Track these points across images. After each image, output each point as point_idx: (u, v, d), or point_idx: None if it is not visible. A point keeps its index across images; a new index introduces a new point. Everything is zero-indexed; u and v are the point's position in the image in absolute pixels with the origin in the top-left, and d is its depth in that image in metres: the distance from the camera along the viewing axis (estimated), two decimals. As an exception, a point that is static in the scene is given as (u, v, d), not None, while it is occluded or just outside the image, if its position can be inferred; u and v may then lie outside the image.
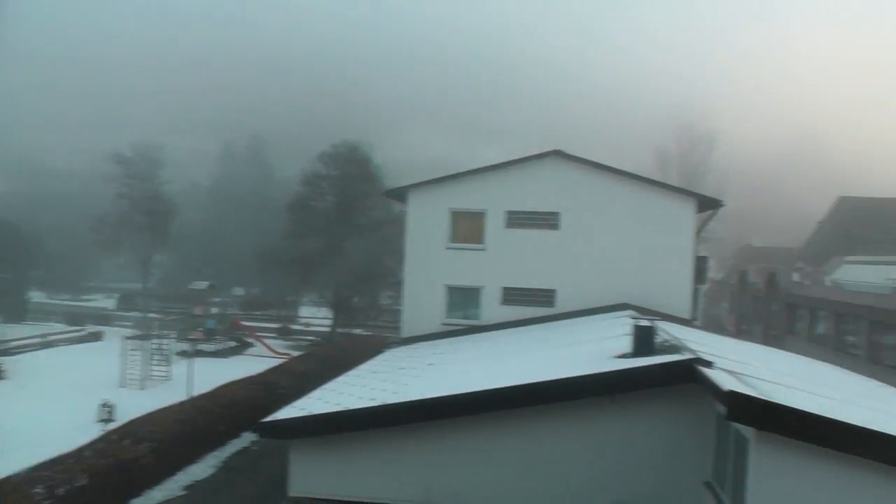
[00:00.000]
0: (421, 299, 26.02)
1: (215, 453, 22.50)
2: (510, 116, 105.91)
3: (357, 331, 50.97)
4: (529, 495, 11.94)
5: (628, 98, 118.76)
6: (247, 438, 23.91)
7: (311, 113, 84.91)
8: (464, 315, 25.84)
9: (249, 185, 77.45)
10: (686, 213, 25.04)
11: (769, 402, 9.10)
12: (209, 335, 45.20)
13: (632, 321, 14.63)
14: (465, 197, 26.00)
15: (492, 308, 25.53)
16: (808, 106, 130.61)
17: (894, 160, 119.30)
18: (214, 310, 51.63)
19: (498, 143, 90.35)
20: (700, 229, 27.02)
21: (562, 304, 24.90)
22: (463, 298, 25.89)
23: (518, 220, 25.61)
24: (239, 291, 75.13)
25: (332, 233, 47.22)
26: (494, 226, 25.70)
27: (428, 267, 26.00)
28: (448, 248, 25.95)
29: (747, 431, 9.25)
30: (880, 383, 19.88)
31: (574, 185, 25.36)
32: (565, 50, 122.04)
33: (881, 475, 8.61)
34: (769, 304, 47.68)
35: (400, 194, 27.60)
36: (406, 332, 25.99)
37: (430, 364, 18.10)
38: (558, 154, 25.65)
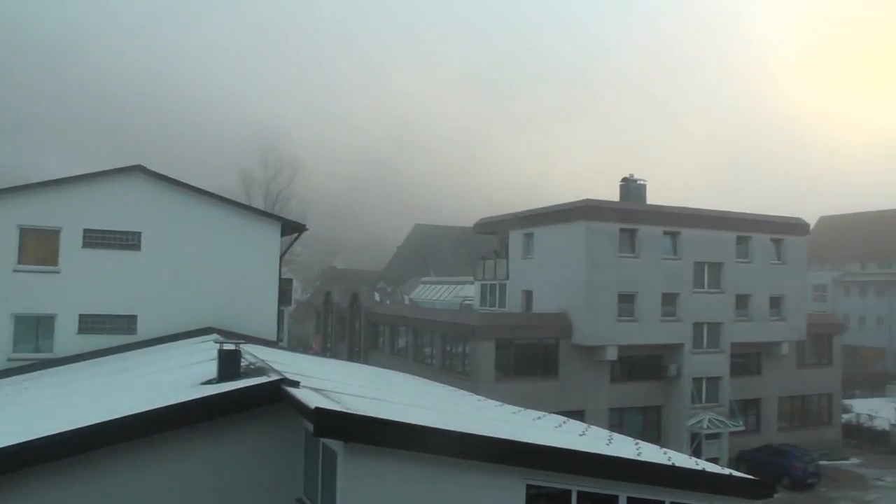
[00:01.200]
0: (-19, 332, 22.77)
1: None
2: (83, 125, 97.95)
3: None
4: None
5: (213, 119, 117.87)
6: None
7: None
8: (35, 348, 23.28)
9: None
10: (271, 237, 25.70)
11: (354, 414, 9.60)
12: None
13: (216, 345, 14.40)
14: (37, 212, 23.53)
15: (67, 338, 23.35)
16: (386, 139, 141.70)
17: (462, 191, 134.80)
18: None
19: (70, 154, 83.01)
20: (284, 252, 27.93)
21: (144, 331, 23.82)
22: (33, 328, 23.37)
23: (97, 239, 23.92)
24: None
25: None
26: (70, 245, 23.66)
27: (-10, 293, 22.94)
28: (16, 271, 23.18)
29: (335, 445, 9.64)
30: (451, 388, 22.43)
31: (157, 204, 24.50)
32: (144, 59, 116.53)
33: (452, 467, 9.82)
34: (353, 322, 50.57)
35: (-44, 207, 23.92)
36: (-39, 373, 22.48)
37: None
38: (141, 170, 24.56)
